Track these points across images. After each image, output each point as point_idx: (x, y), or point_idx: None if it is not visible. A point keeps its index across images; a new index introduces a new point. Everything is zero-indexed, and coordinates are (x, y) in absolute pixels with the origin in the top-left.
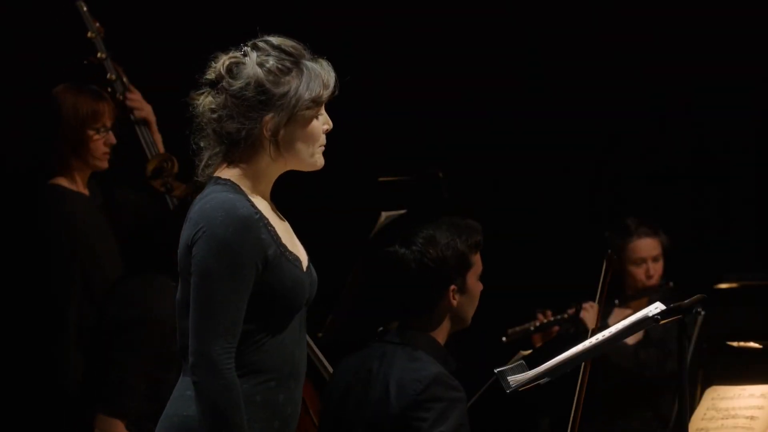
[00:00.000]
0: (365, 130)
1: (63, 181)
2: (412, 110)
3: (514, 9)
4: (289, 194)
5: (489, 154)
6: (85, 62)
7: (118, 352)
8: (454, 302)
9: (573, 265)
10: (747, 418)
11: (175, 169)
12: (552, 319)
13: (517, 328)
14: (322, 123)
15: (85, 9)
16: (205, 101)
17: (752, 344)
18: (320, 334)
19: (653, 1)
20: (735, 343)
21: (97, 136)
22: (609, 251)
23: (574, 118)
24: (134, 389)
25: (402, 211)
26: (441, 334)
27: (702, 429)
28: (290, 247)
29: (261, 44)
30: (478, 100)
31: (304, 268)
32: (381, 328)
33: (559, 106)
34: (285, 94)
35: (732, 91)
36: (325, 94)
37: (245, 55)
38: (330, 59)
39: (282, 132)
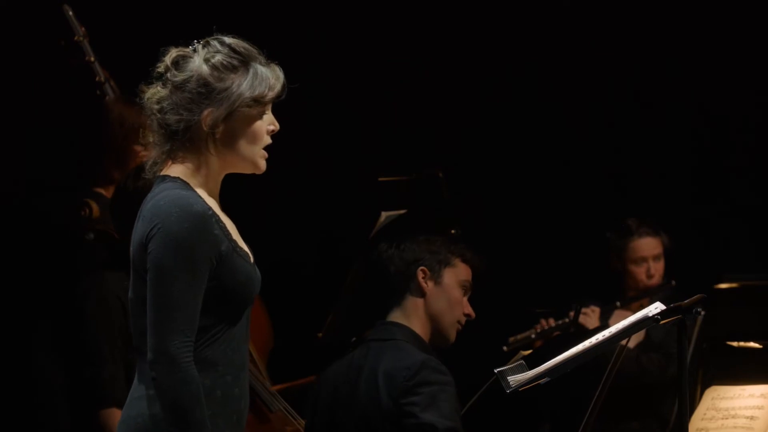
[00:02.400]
0: (365, 130)
1: (103, 192)
2: (412, 110)
3: (515, 9)
4: (289, 194)
5: (489, 154)
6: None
7: (88, 334)
8: (425, 286)
9: (573, 266)
10: (747, 418)
11: (95, 213)
12: (554, 325)
13: (519, 337)
14: (267, 123)
15: (71, 13)
16: (151, 93)
17: (752, 344)
18: (320, 334)
19: (653, 2)
20: (735, 343)
21: (144, 153)
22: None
23: (575, 119)
24: (117, 376)
25: (402, 211)
26: (419, 327)
27: (702, 429)
28: (240, 243)
29: (212, 41)
30: (479, 100)
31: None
32: (354, 339)
33: (560, 106)
34: (225, 89)
35: (732, 92)
36: (270, 95)
37: (195, 50)
38: (330, 59)
39: (222, 127)
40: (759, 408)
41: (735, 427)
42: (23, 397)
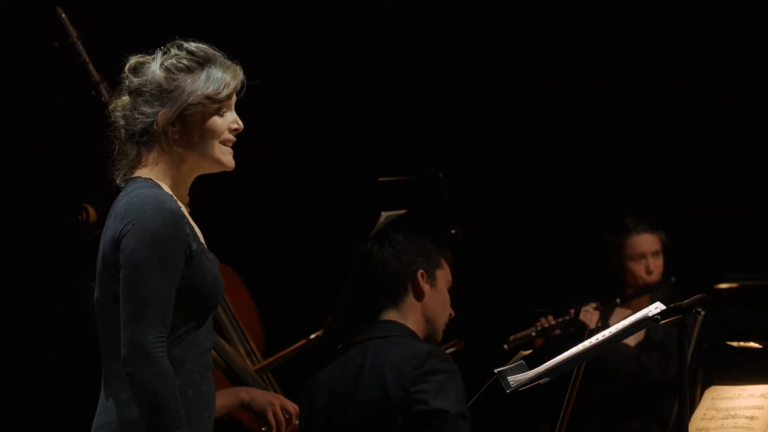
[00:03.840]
0: (365, 130)
1: None
2: (412, 110)
3: (515, 9)
4: (289, 194)
5: (489, 154)
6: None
7: (88, 332)
8: (424, 288)
9: (573, 266)
10: (747, 418)
11: (92, 218)
12: (554, 323)
13: (519, 335)
14: (229, 122)
15: (63, 15)
16: (115, 104)
17: (752, 344)
18: (320, 333)
19: (651, 3)
20: (735, 343)
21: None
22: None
23: (575, 119)
24: None
25: (402, 211)
26: (414, 327)
27: (702, 429)
28: (207, 247)
29: (172, 47)
30: (479, 100)
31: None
32: (340, 346)
33: (560, 106)
34: (176, 89)
35: (733, 91)
36: (225, 92)
37: (154, 57)
38: (330, 59)
39: (179, 128)
40: (759, 408)
41: (735, 427)
42: (24, 392)
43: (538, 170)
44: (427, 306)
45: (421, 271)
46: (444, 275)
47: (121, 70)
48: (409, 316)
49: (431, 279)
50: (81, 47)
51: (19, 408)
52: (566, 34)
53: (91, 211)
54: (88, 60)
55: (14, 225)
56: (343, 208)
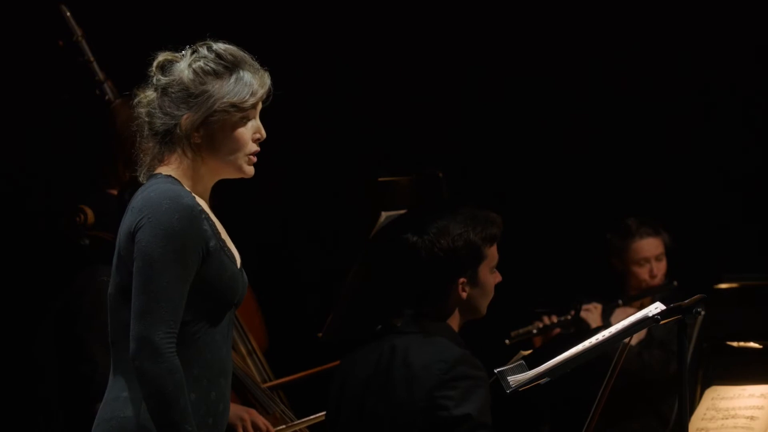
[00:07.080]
0: (365, 130)
1: (114, 192)
2: (412, 110)
3: (515, 9)
4: (289, 193)
5: (490, 154)
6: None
7: (84, 331)
8: (464, 294)
9: (575, 265)
10: (747, 418)
11: (90, 219)
12: (556, 321)
13: (521, 331)
14: (252, 131)
15: (68, 14)
16: (141, 97)
17: (752, 344)
18: (320, 334)
19: (651, 3)
20: (735, 343)
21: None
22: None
23: (574, 119)
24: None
25: (402, 211)
26: (453, 323)
27: (702, 429)
28: (228, 244)
29: (201, 47)
30: (479, 101)
31: (239, 267)
32: (380, 327)
33: (559, 105)
34: (202, 93)
35: (732, 91)
36: (251, 100)
37: (183, 55)
38: (330, 59)
39: (202, 132)
40: (759, 408)
41: (735, 427)
42: (23, 393)
43: (539, 169)
44: (469, 303)
45: (462, 279)
46: (487, 264)
47: (149, 64)
48: (446, 311)
49: (473, 280)
50: (85, 46)
51: (18, 408)
52: (566, 35)
53: (89, 212)
54: (92, 59)
55: (13, 225)
56: (342, 208)
